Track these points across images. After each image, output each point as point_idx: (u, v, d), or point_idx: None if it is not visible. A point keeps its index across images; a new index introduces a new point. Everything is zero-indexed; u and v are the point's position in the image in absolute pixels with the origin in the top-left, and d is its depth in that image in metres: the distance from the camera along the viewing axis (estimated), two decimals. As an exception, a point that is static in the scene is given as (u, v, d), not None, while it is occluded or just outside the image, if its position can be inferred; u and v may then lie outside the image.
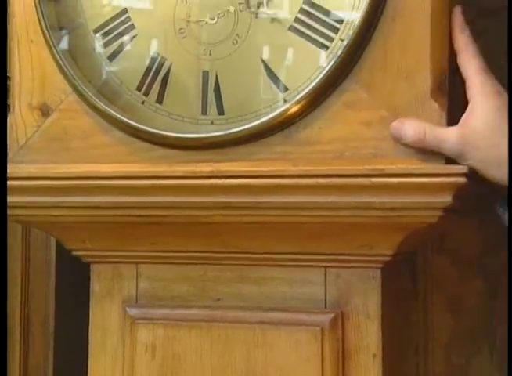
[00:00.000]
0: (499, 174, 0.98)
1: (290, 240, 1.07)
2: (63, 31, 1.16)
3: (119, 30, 1.14)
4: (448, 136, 0.99)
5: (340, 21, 1.05)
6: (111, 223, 1.12)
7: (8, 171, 1.14)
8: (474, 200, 1.08)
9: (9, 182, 1.13)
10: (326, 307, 1.09)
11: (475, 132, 0.98)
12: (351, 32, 1.02)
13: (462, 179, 0.95)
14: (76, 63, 1.15)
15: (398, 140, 1.01)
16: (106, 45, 1.15)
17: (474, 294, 1.39)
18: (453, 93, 1.05)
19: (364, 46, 1.02)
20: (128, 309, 1.17)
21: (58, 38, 1.14)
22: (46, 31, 1.13)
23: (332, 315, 1.08)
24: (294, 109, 1.04)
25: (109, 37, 1.15)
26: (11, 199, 1.13)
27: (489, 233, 1.32)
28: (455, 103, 1.06)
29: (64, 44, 1.15)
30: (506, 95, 1.01)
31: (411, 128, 1.00)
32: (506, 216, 1.02)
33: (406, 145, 1.00)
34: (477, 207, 1.22)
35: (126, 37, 1.14)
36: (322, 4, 1.05)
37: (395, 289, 1.22)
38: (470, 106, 1.00)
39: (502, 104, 0.99)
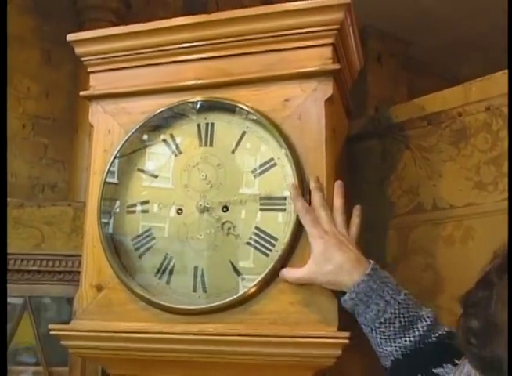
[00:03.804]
0: (334, 286, 0.99)
1: (245, 373, 1.06)
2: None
3: (145, 240, 1.16)
4: (299, 278, 1.02)
5: (276, 239, 1.07)
6: (135, 360, 1.11)
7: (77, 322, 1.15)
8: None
9: (75, 333, 1.13)
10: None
11: (306, 276, 1.00)
12: (282, 247, 1.05)
13: (346, 340, 0.97)
14: (120, 260, 1.15)
15: (283, 279, 1.03)
16: (137, 248, 1.16)
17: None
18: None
19: (290, 255, 1.05)
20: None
21: (109, 245, 1.16)
22: (103, 243, 1.15)
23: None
24: (249, 292, 1.05)
25: (139, 244, 1.16)
26: (76, 343, 1.14)
27: (368, 364, 1.24)
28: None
29: (113, 247, 1.16)
30: (328, 238, 1.00)
31: (288, 273, 1.03)
32: (341, 302, 0.99)
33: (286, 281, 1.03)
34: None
35: (149, 244, 1.15)
36: (264, 229, 1.08)
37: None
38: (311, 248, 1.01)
39: (324, 246, 0.99)
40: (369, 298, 0.95)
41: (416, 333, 0.92)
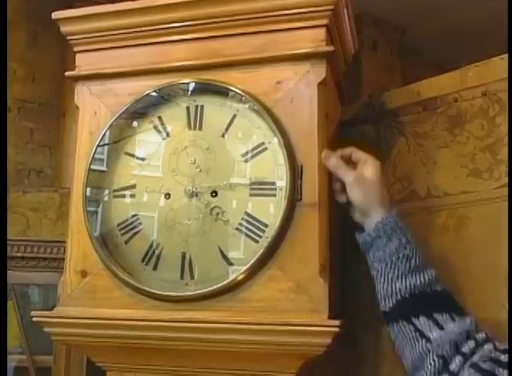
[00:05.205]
0: (369, 205, 1.03)
1: (233, 362, 1.05)
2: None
3: (132, 226, 1.14)
4: (351, 172, 1.05)
5: (266, 225, 1.06)
6: (120, 347, 1.10)
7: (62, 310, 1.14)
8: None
9: (59, 320, 1.12)
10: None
11: (364, 177, 1.04)
12: (273, 233, 1.04)
13: (337, 329, 0.96)
14: (106, 245, 1.14)
15: (324, 162, 1.06)
16: (123, 234, 1.14)
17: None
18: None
19: (280, 242, 1.04)
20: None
21: (95, 230, 1.15)
22: (88, 228, 1.14)
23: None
24: (237, 279, 1.04)
25: (125, 229, 1.15)
26: (60, 330, 1.12)
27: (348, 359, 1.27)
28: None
29: (98, 233, 1.15)
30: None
31: (334, 160, 1.06)
32: (359, 238, 1.05)
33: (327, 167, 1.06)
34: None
35: (136, 230, 1.14)
36: (254, 215, 1.08)
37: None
38: (366, 165, 1.05)
39: (380, 175, 1.05)
40: (394, 232, 1.01)
41: (426, 276, 0.98)
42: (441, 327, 0.94)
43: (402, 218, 1.03)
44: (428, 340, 0.93)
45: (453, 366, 0.90)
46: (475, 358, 0.90)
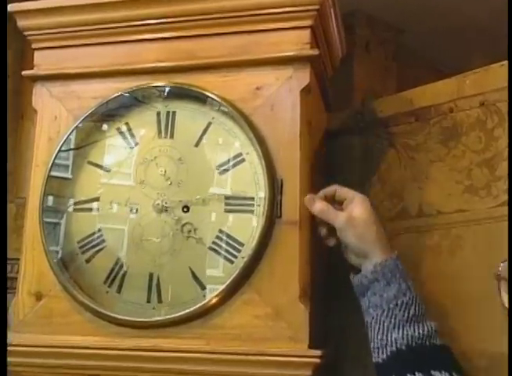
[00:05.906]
0: (366, 246, 1.01)
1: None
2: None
3: (94, 243, 1.14)
4: (340, 215, 1.03)
5: (242, 245, 1.07)
6: (78, 379, 1.09)
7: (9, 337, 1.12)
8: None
9: (9, 348, 1.09)
10: None
11: (355, 217, 1.02)
12: (249, 253, 1.04)
13: (318, 360, 0.97)
14: (64, 264, 1.13)
15: (309, 208, 1.05)
16: (84, 252, 1.14)
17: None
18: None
19: (257, 263, 1.04)
20: None
21: (53, 246, 1.14)
22: (45, 243, 1.14)
23: None
24: (210, 304, 1.04)
25: (87, 247, 1.14)
26: (10, 359, 1.10)
27: None
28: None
29: (56, 249, 1.14)
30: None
31: (319, 204, 1.05)
32: (354, 280, 1.03)
33: (313, 214, 1.06)
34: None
35: (98, 247, 1.14)
36: (229, 232, 1.08)
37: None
38: (353, 204, 1.04)
39: (371, 211, 1.04)
40: (394, 276, 0.99)
41: (426, 328, 0.97)
42: None
43: (401, 261, 1.02)
44: None
45: None
46: None
